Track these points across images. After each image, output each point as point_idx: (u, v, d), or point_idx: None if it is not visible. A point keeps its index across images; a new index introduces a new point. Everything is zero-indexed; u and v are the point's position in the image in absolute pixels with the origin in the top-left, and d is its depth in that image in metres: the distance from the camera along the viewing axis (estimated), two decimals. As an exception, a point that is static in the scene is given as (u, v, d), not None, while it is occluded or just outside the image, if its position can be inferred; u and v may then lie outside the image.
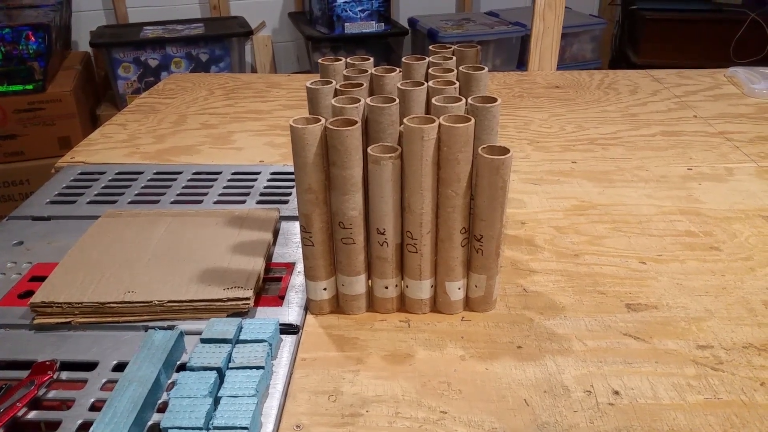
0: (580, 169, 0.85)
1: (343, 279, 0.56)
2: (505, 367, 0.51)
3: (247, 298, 0.56)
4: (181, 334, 0.52)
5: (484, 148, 0.51)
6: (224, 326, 0.52)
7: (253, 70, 2.41)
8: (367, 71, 0.61)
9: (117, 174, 0.86)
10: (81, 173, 0.86)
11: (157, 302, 0.56)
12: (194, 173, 0.85)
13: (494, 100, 0.53)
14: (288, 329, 0.55)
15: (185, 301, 0.56)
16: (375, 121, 0.54)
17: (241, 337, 0.51)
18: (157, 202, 0.78)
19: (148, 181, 0.84)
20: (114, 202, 0.78)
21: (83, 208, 0.77)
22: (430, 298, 0.57)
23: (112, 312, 0.56)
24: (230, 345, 0.50)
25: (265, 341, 0.51)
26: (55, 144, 1.82)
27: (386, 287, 0.56)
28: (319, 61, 0.66)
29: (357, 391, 0.48)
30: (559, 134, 0.97)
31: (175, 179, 0.84)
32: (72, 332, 0.55)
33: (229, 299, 0.56)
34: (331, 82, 0.59)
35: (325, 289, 0.56)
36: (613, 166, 0.86)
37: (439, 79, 0.58)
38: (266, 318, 0.54)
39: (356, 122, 0.50)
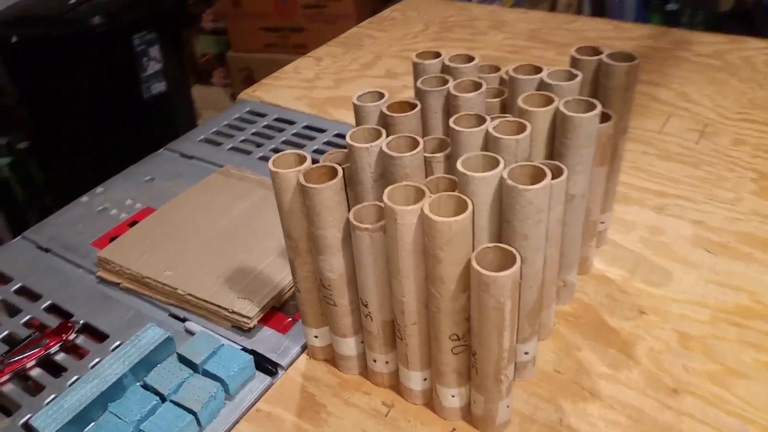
0: (801, 242, 0.58)
1: (332, 335, 0.49)
2: None
3: (249, 318, 0.53)
4: (170, 338, 0.52)
5: (483, 249, 0.37)
6: (202, 345, 0.50)
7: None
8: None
9: (274, 120, 0.87)
10: (248, 111, 0.90)
11: (181, 291, 0.56)
12: (335, 134, 0.81)
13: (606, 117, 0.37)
14: (267, 367, 0.51)
15: (200, 299, 0.55)
16: (388, 172, 0.43)
17: (206, 366, 0.49)
18: (279, 162, 0.77)
19: (292, 135, 0.83)
20: (249, 153, 0.80)
21: (222, 155, 0.80)
22: (423, 390, 0.46)
23: (148, 286, 0.59)
24: (191, 372, 0.49)
25: (220, 383, 0.48)
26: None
27: (374, 360, 0.47)
28: (413, 57, 0.54)
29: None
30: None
31: (314, 137, 0.81)
32: (119, 295, 0.60)
33: (233, 312, 0.54)
34: (382, 96, 0.48)
35: (316, 336, 0.50)
36: None
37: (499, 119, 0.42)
38: (242, 352, 0.50)
39: (335, 175, 0.40)
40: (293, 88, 0.93)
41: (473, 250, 0.37)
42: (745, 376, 0.47)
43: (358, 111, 0.48)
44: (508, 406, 0.43)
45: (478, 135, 0.43)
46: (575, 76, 0.48)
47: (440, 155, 0.45)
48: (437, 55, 0.54)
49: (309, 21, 1.92)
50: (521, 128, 0.43)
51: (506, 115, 0.48)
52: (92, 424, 0.46)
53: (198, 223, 0.64)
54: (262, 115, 0.88)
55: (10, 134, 1.79)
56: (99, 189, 0.76)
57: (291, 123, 0.85)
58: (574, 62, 0.51)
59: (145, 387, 0.48)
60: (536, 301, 0.43)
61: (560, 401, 0.46)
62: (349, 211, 0.41)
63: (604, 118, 0.49)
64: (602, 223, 0.58)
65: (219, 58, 2.31)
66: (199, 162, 0.79)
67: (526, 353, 0.46)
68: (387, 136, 0.45)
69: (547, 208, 0.39)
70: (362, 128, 0.44)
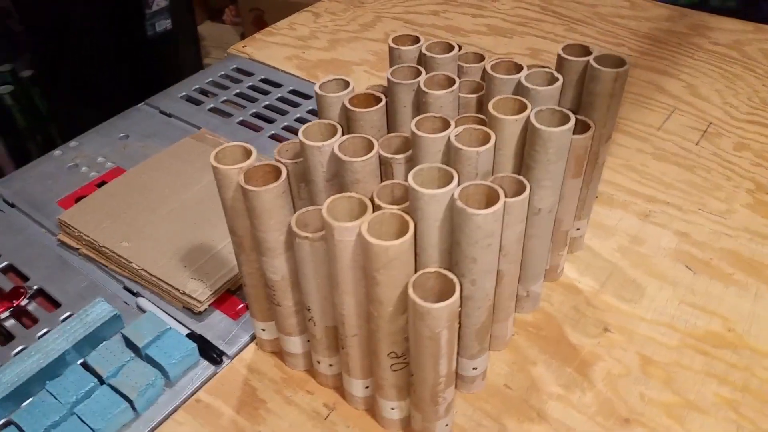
0: (789, 266, 0.55)
1: (278, 332, 0.47)
2: None
3: (200, 301, 0.52)
4: (117, 316, 0.51)
5: (424, 274, 0.35)
6: (147, 328, 0.49)
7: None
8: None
9: (260, 80, 0.83)
10: (234, 68, 0.86)
11: (135, 265, 0.55)
12: (321, 102, 0.78)
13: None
14: (213, 356, 0.49)
15: (153, 276, 0.54)
16: (340, 174, 0.40)
17: (148, 351, 0.48)
18: (260, 130, 0.74)
19: (276, 99, 0.79)
20: (229, 115, 0.77)
21: (201, 116, 0.77)
22: (365, 397, 0.45)
23: (105, 256, 0.57)
24: (133, 356, 0.47)
25: (160, 370, 0.47)
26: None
27: (318, 362, 0.46)
28: (389, 42, 0.51)
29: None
30: None
31: (298, 104, 0.78)
32: (77, 261, 0.58)
33: (185, 293, 0.52)
34: (348, 85, 0.45)
35: (263, 329, 0.48)
36: None
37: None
38: (187, 339, 0.49)
39: (279, 176, 0.38)
40: (285, 46, 0.89)
41: (415, 272, 0.35)
42: (703, 411, 0.45)
43: (320, 101, 0.44)
44: (447, 425, 0.42)
45: (439, 141, 0.40)
46: (556, 80, 0.44)
47: (400, 157, 0.42)
48: (416, 40, 0.50)
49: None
50: (486, 138, 0.40)
51: (479, 115, 0.45)
52: (28, 400, 0.46)
53: (163, 192, 0.62)
54: (249, 74, 0.84)
55: (15, 62, 1.76)
56: (73, 143, 0.73)
57: (277, 86, 0.82)
58: (560, 62, 0.47)
59: (86, 366, 0.47)
60: (486, 320, 0.41)
61: (505, 419, 0.44)
62: (295, 212, 0.39)
63: (584, 127, 0.45)
64: (578, 229, 0.55)
65: (231, -5, 2.24)
66: (176, 121, 0.76)
67: (474, 368, 0.44)
68: (346, 131, 0.42)
69: (499, 232, 0.37)
70: (318, 123, 0.41)
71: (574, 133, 0.44)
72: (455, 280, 0.34)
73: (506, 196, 0.37)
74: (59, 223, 0.60)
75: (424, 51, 0.49)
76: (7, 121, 1.75)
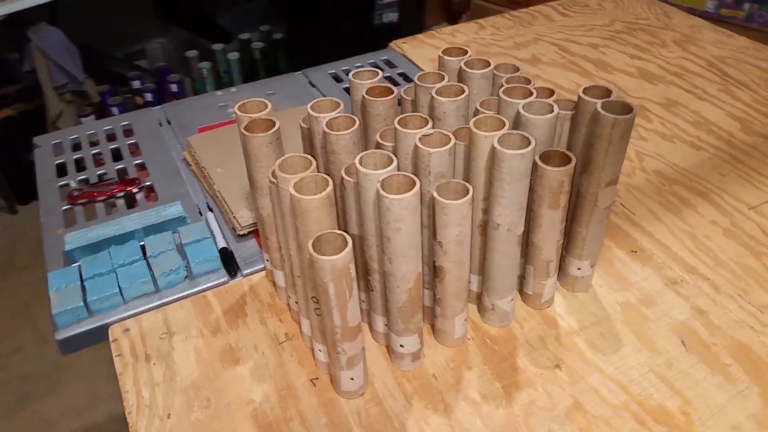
0: None
1: (271, 265, 0.56)
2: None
3: (241, 226, 0.63)
4: (183, 218, 0.65)
5: (332, 233, 0.41)
6: (195, 232, 0.62)
7: None
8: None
9: (397, 73, 0.92)
10: (384, 59, 0.96)
11: (216, 187, 0.68)
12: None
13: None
14: (230, 268, 0.61)
15: (222, 198, 0.67)
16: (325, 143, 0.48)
17: (186, 248, 0.61)
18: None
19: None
20: (357, 95, 0.87)
21: (335, 91, 0.89)
22: (310, 336, 0.52)
23: (203, 175, 0.72)
24: (174, 248, 0.61)
25: (188, 263, 0.59)
26: None
27: (289, 296, 0.54)
28: (440, 52, 0.56)
29: (164, 354, 0.54)
30: None
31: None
32: (187, 174, 0.74)
33: (234, 217, 0.64)
34: (376, 75, 0.52)
35: (267, 260, 0.58)
36: None
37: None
38: (215, 249, 0.61)
39: (272, 126, 0.47)
40: (437, 49, 0.97)
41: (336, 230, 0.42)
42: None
43: (351, 84, 0.52)
44: (352, 378, 0.48)
45: (410, 137, 0.46)
46: (551, 112, 0.46)
47: (389, 144, 0.48)
48: (464, 53, 0.55)
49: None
50: (446, 143, 0.44)
51: (465, 127, 0.49)
52: (96, 254, 0.61)
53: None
54: (393, 66, 0.94)
55: (271, 25, 2.09)
56: (233, 89, 0.90)
57: (409, 81, 0.90)
58: (579, 101, 0.49)
59: (142, 245, 0.62)
60: (407, 302, 0.46)
61: (415, 401, 0.49)
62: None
63: (565, 162, 0.47)
64: (579, 269, 0.55)
65: (469, 2, 2.35)
66: (316, 91, 0.89)
67: (401, 346, 0.49)
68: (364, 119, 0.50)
69: (410, 221, 0.41)
70: (329, 99, 0.50)
71: (554, 166, 0.46)
72: (348, 241, 0.40)
73: (447, 198, 0.42)
74: (187, 143, 0.77)
75: (463, 66, 0.53)
76: (251, 72, 2.08)
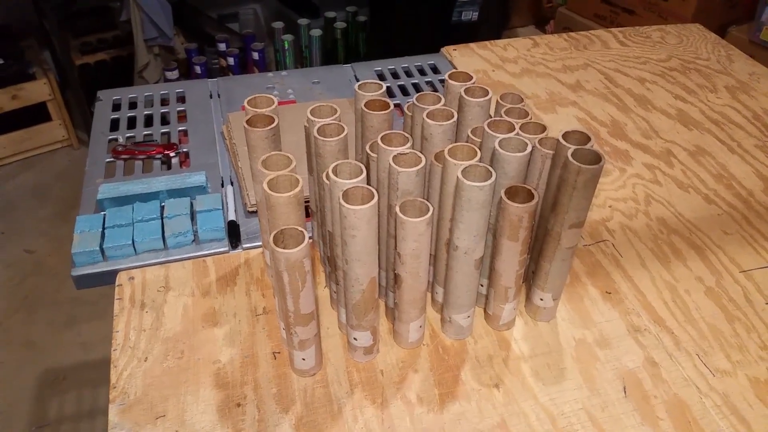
0: None
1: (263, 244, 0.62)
2: None
3: (252, 203, 0.69)
4: (203, 187, 0.71)
5: (295, 228, 0.46)
6: (209, 202, 0.69)
7: None
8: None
9: (439, 80, 0.96)
10: (431, 63, 1.00)
11: (240, 163, 0.75)
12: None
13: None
14: (233, 240, 0.67)
15: (242, 174, 0.73)
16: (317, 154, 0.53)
17: (198, 215, 0.67)
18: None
19: (439, 97, 0.91)
20: (407, 95, 0.92)
21: (377, 87, 0.93)
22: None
23: (233, 150, 0.78)
24: (188, 213, 0.68)
25: (197, 228, 0.66)
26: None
27: (271, 276, 0.60)
28: (446, 75, 0.60)
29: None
30: None
31: (449, 109, 0.89)
32: (222, 147, 0.81)
33: (248, 194, 0.70)
34: (380, 88, 0.56)
35: (262, 238, 0.64)
36: None
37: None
38: (222, 220, 0.67)
39: (271, 122, 0.52)
40: (485, 61, 1.00)
41: (300, 226, 0.47)
42: None
43: (356, 95, 0.57)
44: (303, 359, 0.53)
45: (388, 153, 0.50)
46: (524, 150, 0.49)
47: (375, 155, 0.53)
48: (469, 78, 0.58)
49: (644, 8, 1.81)
50: (417, 164, 0.48)
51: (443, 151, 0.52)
52: (121, 207, 0.69)
53: (295, 124, 0.81)
54: (437, 72, 0.97)
55: (357, 6, 2.14)
56: (284, 72, 0.96)
57: (448, 88, 0.93)
58: (558, 144, 0.51)
59: (163, 205, 0.69)
60: (360, 302, 0.51)
61: (358, 390, 0.53)
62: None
63: (529, 199, 0.49)
64: (541, 299, 0.58)
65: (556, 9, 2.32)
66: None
67: (355, 339, 0.54)
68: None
69: (364, 230, 0.46)
70: (329, 105, 0.54)
71: (519, 202, 0.49)
72: (305, 238, 0.45)
73: (410, 215, 0.46)
74: (227, 118, 0.83)
75: (462, 93, 0.57)
76: (332, 51, 2.15)
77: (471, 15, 1.83)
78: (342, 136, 0.51)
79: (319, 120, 0.52)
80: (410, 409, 0.52)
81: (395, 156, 0.49)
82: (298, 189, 0.46)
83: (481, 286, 0.59)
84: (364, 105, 0.55)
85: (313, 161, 0.55)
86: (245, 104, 0.54)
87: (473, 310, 0.57)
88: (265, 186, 0.46)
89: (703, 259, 0.67)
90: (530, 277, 0.60)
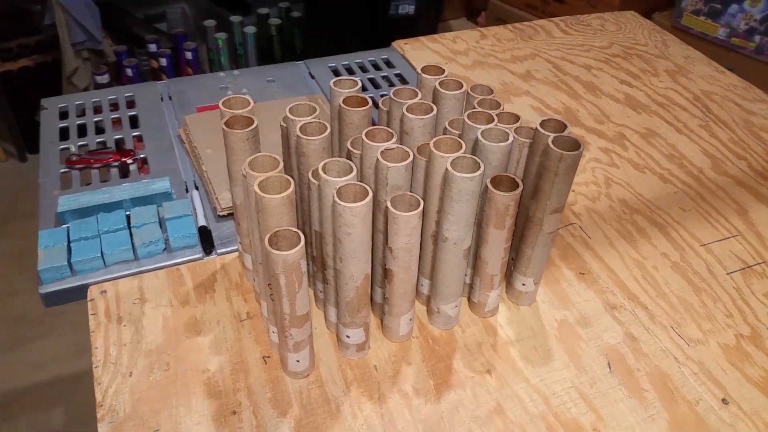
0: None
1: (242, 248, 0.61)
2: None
3: (221, 207, 0.68)
4: (168, 193, 0.69)
5: (288, 230, 0.46)
6: (178, 208, 0.67)
7: None
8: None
9: (394, 74, 0.96)
10: (384, 58, 1.00)
11: (204, 167, 0.73)
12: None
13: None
14: (206, 246, 0.65)
15: (208, 178, 0.71)
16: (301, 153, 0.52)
17: (167, 222, 0.65)
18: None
19: (396, 91, 0.92)
20: (352, 91, 0.91)
21: (334, 83, 0.92)
22: (268, 317, 0.57)
23: (194, 154, 0.76)
24: (157, 221, 0.65)
25: (167, 236, 0.64)
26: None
27: (254, 279, 0.59)
28: (419, 69, 0.60)
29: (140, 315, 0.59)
30: None
31: (408, 102, 0.90)
32: (180, 151, 0.78)
33: (216, 197, 0.69)
34: (356, 85, 0.56)
35: (240, 242, 0.63)
36: None
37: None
38: (193, 227, 0.65)
39: (251, 124, 0.51)
40: (436, 54, 1.01)
41: (293, 227, 0.46)
42: (511, 468, 0.49)
43: (331, 92, 0.56)
44: (298, 361, 0.52)
45: (374, 149, 0.50)
46: (505, 140, 0.50)
47: (357, 152, 0.52)
48: (441, 72, 0.59)
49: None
50: (405, 159, 0.48)
51: (426, 144, 0.53)
52: (84, 219, 0.66)
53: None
54: (392, 66, 0.98)
55: (289, 2, 2.11)
56: (236, 72, 0.94)
57: (405, 83, 0.94)
58: (537, 132, 0.53)
59: (128, 215, 0.66)
60: (354, 299, 0.50)
61: (354, 388, 0.53)
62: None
63: (514, 187, 0.51)
64: (523, 285, 0.60)
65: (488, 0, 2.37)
66: (313, 83, 0.93)
67: (347, 336, 0.54)
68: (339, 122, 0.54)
69: (360, 226, 0.46)
70: (307, 104, 0.54)
71: (503, 191, 0.50)
72: (301, 240, 0.44)
73: (400, 209, 0.46)
74: (183, 121, 0.81)
75: (437, 86, 0.57)
76: (267, 48, 2.11)
77: (408, 9, 1.84)
78: (326, 134, 0.51)
79: (300, 119, 0.52)
80: (408, 402, 0.53)
81: (382, 151, 0.49)
82: (290, 190, 0.45)
83: (465, 275, 0.60)
84: (343, 102, 0.55)
85: (293, 160, 0.55)
86: (220, 105, 0.53)
87: (460, 300, 0.58)
88: (255, 188, 0.45)
89: (666, 235, 0.70)
90: (510, 263, 0.61)
